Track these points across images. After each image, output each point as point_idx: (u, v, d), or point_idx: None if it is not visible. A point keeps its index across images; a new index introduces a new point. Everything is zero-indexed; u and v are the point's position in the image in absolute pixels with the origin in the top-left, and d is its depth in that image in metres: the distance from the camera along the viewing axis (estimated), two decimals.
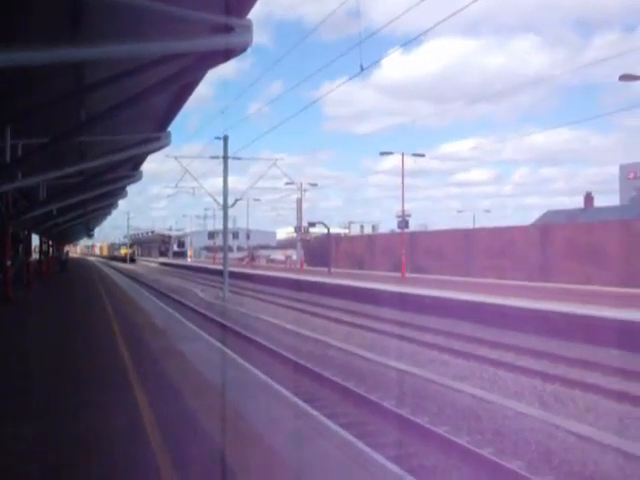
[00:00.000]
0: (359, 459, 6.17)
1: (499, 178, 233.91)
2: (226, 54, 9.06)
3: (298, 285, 39.02)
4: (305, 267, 60.06)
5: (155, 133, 16.68)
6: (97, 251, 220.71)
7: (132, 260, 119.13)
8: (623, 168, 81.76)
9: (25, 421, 7.51)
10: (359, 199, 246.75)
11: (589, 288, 27.55)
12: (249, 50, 8.85)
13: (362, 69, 15.15)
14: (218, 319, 23.66)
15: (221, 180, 35.38)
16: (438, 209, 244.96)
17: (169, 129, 17.00)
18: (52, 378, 10.16)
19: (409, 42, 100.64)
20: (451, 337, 19.10)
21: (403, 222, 43.65)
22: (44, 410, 8.08)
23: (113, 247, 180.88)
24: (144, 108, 13.52)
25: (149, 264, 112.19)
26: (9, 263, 23.05)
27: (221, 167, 35.38)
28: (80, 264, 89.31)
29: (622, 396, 11.80)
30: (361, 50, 15.22)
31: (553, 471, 8.05)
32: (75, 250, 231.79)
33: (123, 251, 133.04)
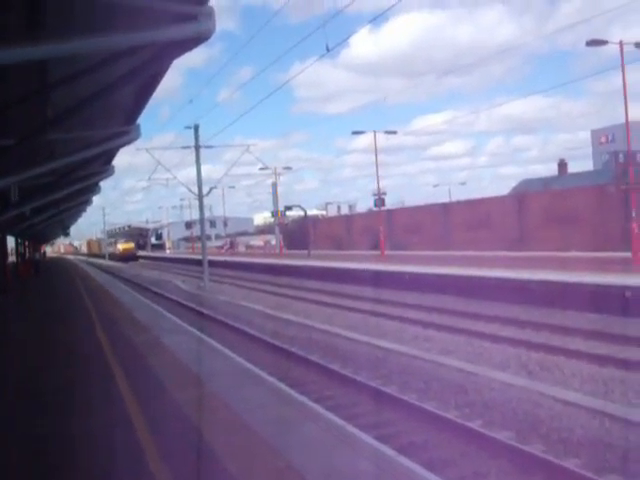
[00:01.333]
0: (348, 440, 6.17)
1: (474, 150, 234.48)
2: (190, 42, 8.93)
3: (278, 270, 39.02)
4: (285, 251, 60.04)
5: (124, 127, 16.48)
6: (84, 248, 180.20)
7: (134, 258, 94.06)
8: (595, 133, 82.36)
9: None
10: (335, 180, 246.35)
11: (567, 255, 27.80)
12: (216, 37, 8.76)
13: (328, 50, 15.08)
14: (200, 309, 23.60)
15: (195, 169, 35.19)
16: (414, 185, 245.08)
17: (138, 122, 16.80)
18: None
19: (375, 19, 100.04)
20: (433, 312, 19.20)
21: (379, 200, 43.68)
22: None
23: (103, 242, 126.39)
24: (111, 102, 13.33)
25: None
26: None
27: (194, 156, 35.19)
28: (59, 264, 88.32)
29: (604, 360, 11.94)
30: (326, 30, 15.15)
31: (542, 439, 8.12)
32: (58, 249, 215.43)
33: (122, 247, 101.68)
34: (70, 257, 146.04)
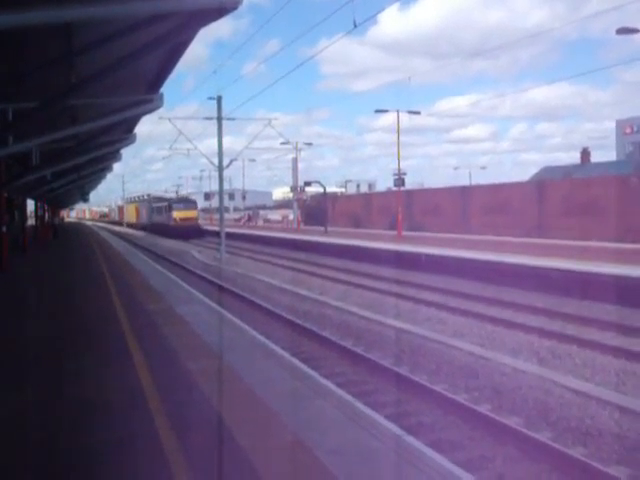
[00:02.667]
0: (357, 418, 6.19)
1: (496, 134, 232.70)
2: (217, 12, 8.87)
3: (295, 245, 39.03)
4: (302, 227, 60.03)
5: (147, 95, 16.45)
6: (114, 215, 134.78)
7: (198, 233, 61.49)
8: (620, 123, 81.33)
9: None
10: (356, 158, 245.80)
11: (586, 244, 27.57)
12: (245, 9, 8.74)
13: (355, 25, 14.95)
14: (215, 280, 23.70)
15: (216, 141, 35.08)
16: (435, 166, 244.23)
17: (161, 91, 16.78)
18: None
19: None
20: (448, 294, 19.15)
21: (399, 180, 43.43)
22: None
23: (144, 206, 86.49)
24: (135, 70, 13.31)
25: None
26: (4, 229, 22.94)
27: (216, 128, 35.13)
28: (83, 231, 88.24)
29: (619, 351, 11.87)
30: (354, 6, 14.97)
31: (550, 427, 8.11)
32: (83, 214, 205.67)
33: (179, 214, 63.41)
34: (92, 224, 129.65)
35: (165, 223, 64.76)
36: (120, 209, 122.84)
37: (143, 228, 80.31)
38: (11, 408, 6.83)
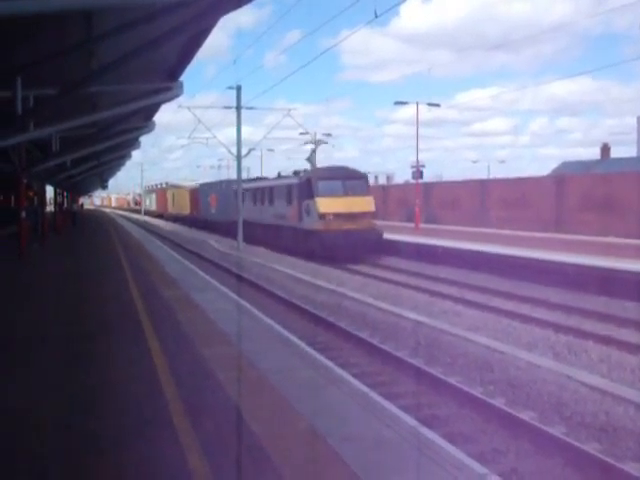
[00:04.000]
0: (370, 408, 6.19)
1: (516, 128, 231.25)
2: (237, 1, 8.87)
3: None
4: None
5: (167, 83, 16.51)
6: (150, 203, 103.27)
7: (372, 245, 28.28)
8: None
9: None
10: (375, 149, 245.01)
11: (606, 240, 27.35)
12: None
13: (376, 16, 14.85)
14: (233, 269, 23.76)
15: (235, 130, 35.09)
16: (453, 160, 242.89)
17: (181, 79, 16.84)
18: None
19: None
20: (464, 288, 19.09)
21: (417, 172, 43.21)
22: None
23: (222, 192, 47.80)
24: (155, 58, 13.35)
25: None
26: (24, 214, 23.10)
27: (235, 117, 35.08)
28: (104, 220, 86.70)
29: (636, 348, 11.78)
30: None
31: (564, 422, 8.08)
32: (109, 201, 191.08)
33: (339, 205, 28.14)
34: (112, 213, 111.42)
35: (290, 225, 31.93)
36: (161, 194, 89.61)
37: (209, 226, 51.49)
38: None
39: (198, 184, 65.41)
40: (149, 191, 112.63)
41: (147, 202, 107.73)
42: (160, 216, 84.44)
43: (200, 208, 56.71)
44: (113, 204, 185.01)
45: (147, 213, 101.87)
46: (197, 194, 59.77)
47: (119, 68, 11.89)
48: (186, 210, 65.55)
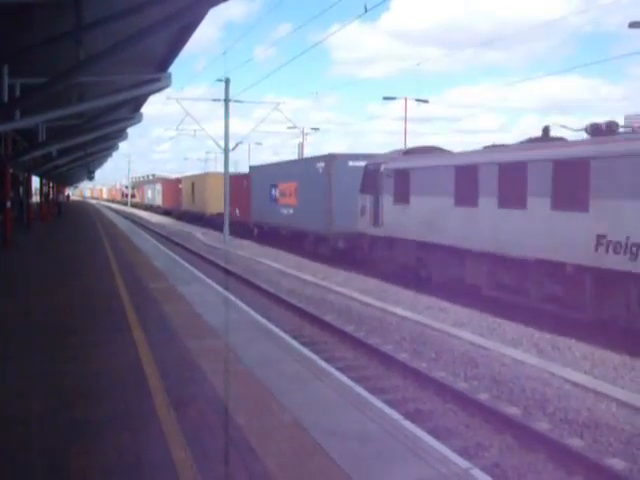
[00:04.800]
0: (355, 402, 6.21)
1: (506, 126, 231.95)
2: None
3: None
4: None
5: (155, 74, 16.41)
6: (152, 197, 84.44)
7: None
8: (629, 118, 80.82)
9: None
10: (364, 144, 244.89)
11: None
12: None
13: (366, 10, 14.85)
14: (218, 262, 23.73)
15: (223, 123, 34.81)
16: None
17: (170, 70, 16.74)
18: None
19: None
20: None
21: None
22: None
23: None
24: (143, 48, 13.23)
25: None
26: (9, 204, 22.94)
27: (223, 110, 34.91)
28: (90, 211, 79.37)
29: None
30: None
31: (547, 417, 8.14)
32: (100, 193, 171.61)
33: None
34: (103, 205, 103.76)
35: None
36: (171, 186, 68.95)
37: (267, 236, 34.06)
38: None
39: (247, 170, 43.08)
40: (150, 182, 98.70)
41: (149, 195, 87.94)
42: (167, 213, 69.17)
43: (251, 206, 37.29)
44: (105, 196, 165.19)
45: (148, 208, 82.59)
46: (244, 183, 39.54)
47: (107, 58, 11.78)
48: (217, 207, 44.58)
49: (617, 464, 6.73)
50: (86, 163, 47.20)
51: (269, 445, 5.07)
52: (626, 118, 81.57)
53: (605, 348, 11.77)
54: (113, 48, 11.07)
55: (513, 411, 8.26)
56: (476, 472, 4.82)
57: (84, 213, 65.33)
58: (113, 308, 10.97)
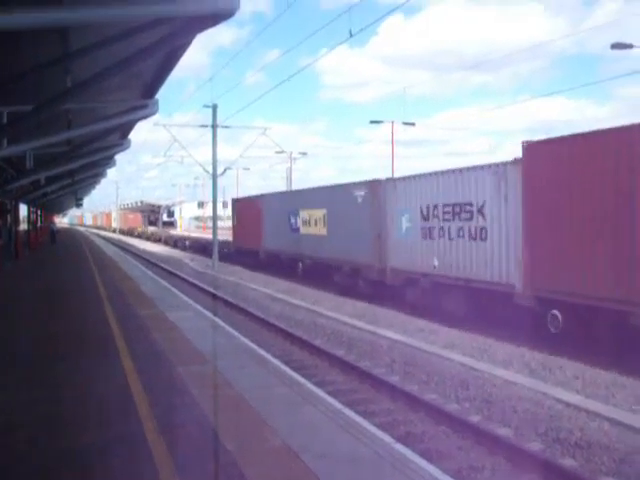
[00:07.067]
0: (346, 426, 6.17)
1: (494, 148, 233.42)
2: (212, 19, 8.86)
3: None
4: None
5: (142, 100, 16.45)
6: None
7: None
8: None
9: None
10: (352, 168, 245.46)
11: None
12: (247, 18, 8.74)
13: (351, 35, 14.96)
14: (208, 288, 23.64)
15: (211, 149, 34.97)
16: None
17: (157, 97, 16.78)
18: None
19: (402, 5, 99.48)
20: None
21: None
22: None
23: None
24: (130, 75, 13.31)
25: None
26: None
27: (211, 136, 35.01)
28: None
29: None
30: (351, 15, 14.98)
31: (539, 437, 8.10)
32: (107, 219, 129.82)
33: None
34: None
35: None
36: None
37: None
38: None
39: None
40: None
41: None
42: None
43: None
44: (98, 222, 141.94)
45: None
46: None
47: (94, 85, 11.81)
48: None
49: None
50: (74, 190, 47.12)
51: (259, 470, 5.02)
52: None
53: (596, 367, 11.77)
54: (100, 75, 11.11)
55: (505, 432, 8.22)
56: None
57: (74, 240, 65.11)
58: (102, 335, 10.90)
